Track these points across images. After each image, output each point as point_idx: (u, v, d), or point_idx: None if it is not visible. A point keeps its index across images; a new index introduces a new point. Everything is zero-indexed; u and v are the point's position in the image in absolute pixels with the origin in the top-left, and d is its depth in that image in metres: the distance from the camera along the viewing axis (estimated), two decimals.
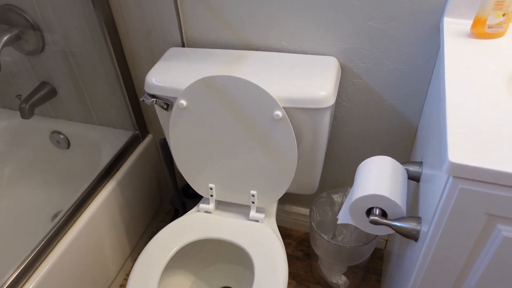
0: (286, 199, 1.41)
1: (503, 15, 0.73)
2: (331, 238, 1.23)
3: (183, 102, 0.94)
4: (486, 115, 0.59)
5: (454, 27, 0.81)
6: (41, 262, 1.01)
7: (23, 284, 0.96)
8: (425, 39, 0.90)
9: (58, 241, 1.06)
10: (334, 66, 0.96)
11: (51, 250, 1.03)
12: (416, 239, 0.72)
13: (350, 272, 1.28)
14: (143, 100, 0.99)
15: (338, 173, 1.24)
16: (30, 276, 0.98)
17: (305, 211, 1.41)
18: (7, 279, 0.93)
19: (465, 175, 0.53)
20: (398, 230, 0.74)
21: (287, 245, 1.41)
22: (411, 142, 1.09)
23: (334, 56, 0.99)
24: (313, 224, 1.16)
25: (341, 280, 1.27)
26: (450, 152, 0.54)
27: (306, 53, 1.02)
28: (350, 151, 1.17)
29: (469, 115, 0.59)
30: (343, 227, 1.23)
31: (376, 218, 0.75)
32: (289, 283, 1.30)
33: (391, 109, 1.04)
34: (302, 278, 1.31)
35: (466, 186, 0.55)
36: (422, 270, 0.69)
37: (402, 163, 0.84)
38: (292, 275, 1.32)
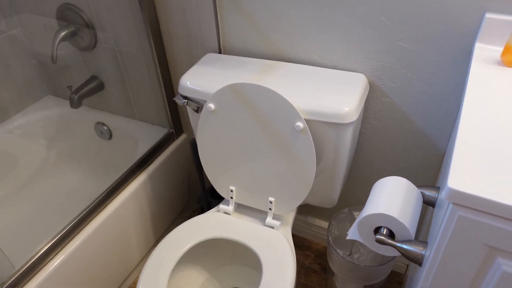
0: (309, 211, 1.41)
1: None
2: (348, 255, 1.22)
3: (211, 105, 0.98)
4: (498, 146, 0.58)
5: (484, 53, 0.79)
6: (69, 241, 1.09)
7: (52, 257, 1.05)
8: (456, 63, 0.89)
9: (88, 222, 1.14)
10: (362, 83, 0.96)
11: (80, 231, 1.11)
12: (420, 264, 0.71)
13: None
14: (175, 100, 1.05)
15: (361, 190, 1.24)
16: (58, 252, 1.06)
17: (327, 225, 1.41)
18: (39, 251, 1.02)
19: (464, 203, 0.53)
20: (403, 253, 0.73)
21: (305, 256, 1.42)
22: (438, 166, 1.07)
23: (363, 73, 1.00)
24: (330, 238, 1.16)
25: None
26: (451, 178, 0.54)
27: (336, 68, 1.03)
28: (375, 169, 1.16)
29: (479, 144, 0.59)
30: (361, 245, 1.22)
31: (382, 237, 0.75)
32: None
33: (419, 131, 1.03)
34: None
35: (465, 214, 0.54)
36: None
37: (419, 186, 0.83)
38: (306, 287, 1.33)
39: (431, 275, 0.64)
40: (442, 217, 0.59)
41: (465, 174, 0.54)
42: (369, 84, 1.01)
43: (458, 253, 0.58)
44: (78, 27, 1.30)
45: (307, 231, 1.46)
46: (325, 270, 1.37)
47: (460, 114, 0.66)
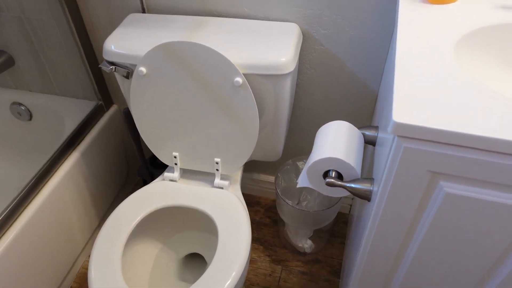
0: (254, 168, 1.43)
1: None
2: (296, 204, 1.26)
3: (143, 69, 0.92)
4: (432, 78, 0.61)
5: None
6: (2, 235, 1.00)
7: None
8: (385, 6, 0.91)
9: (21, 212, 1.04)
10: (295, 32, 0.96)
11: (12, 223, 1.02)
12: (369, 199, 0.75)
13: (315, 236, 1.32)
14: (101, 67, 0.96)
15: (303, 140, 1.27)
16: None
17: (272, 179, 1.43)
18: None
19: (408, 134, 0.55)
20: (353, 191, 0.77)
21: (255, 212, 1.44)
22: (373, 108, 1.12)
23: (296, 23, 0.99)
24: (278, 190, 1.18)
25: (307, 244, 1.31)
26: (395, 113, 0.56)
27: (268, 20, 1.01)
28: (314, 118, 1.19)
29: (415, 79, 0.61)
30: (308, 193, 1.26)
31: (332, 180, 0.77)
32: (256, 248, 1.34)
33: (353, 76, 1.06)
34: (269, 243, 1.35)
35: (410, 145, 0.57)
36: (373, 227, 0.72)
37: (359, 128, 0.86)
38: (259, 241, 1.36)
39: (381, 208, 0.68)
40: (388, 152, 0.62)
41: (405, 108, 0.56)
42: (302, 33, 1.01)
43: (405, 182, 0.62)
44: None
45: (254, 188, 1.48)
46: (276, 222, 1.42)
47: (394, 55, 0.68)
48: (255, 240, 1.36)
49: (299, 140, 1.27)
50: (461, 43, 0.70)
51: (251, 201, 1.48)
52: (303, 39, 1.02)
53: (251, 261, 1.30)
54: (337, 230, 1.39)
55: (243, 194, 1.49)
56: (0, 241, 0.98)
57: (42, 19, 1.15)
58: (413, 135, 0.55)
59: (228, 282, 0.86)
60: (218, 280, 0.86)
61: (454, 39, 0.70)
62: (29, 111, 1.39)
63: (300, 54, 1.05)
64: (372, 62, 1.01)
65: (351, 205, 1.41)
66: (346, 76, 1.06)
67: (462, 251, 0.69)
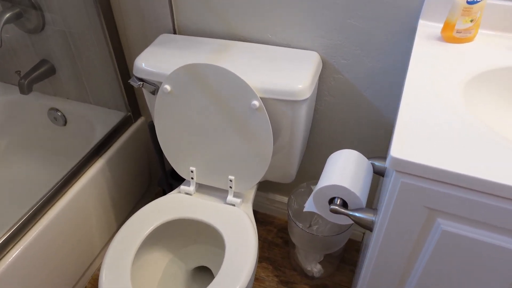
0: (270, 188, 1.45)
1: (471, 21, 0.76)
2: (307, 227, 1.27)
3: (167, 87, 0.98)
4: (436, 116, 0.63)
5: (427, 30, 0.84)
6: (27, 231, 1.06)
7: (10, 249, 1.02)
8: (402, 40, 0.93)
9: (45, 212, 1.11)
10: (315, 60, 0.99)
11: (38, 220, 1.09)
12: (371, 230, 0.76)
13: (325, 261, 1.32)
14: (130, 83, 1.03)
15: (319, 165, 1.28)
16: (16, 243, 1.04)
17: (287, 200, 1.45)
18: None
19: (406, 170, 0.57)
20: (355, 220, 0.78)
21: (268, 231, 1.46)
22: (389, 138, 1.13)
23: (316, 51, 1.03)
24: (290, 212, 1.20)
25: (316, 268, 1.32)
26: (393, 148, 0.58)
27: (290, 47, 1.05)
28: (331, 144, 1.21)
29: (419, 116, 0.63)
30: (320, 217, 1.27)
31: (336, 207, 0.79)
32: (265, 268, 1.35)
33: (370, 106, 1.07)
34: (279, 264, 1.36)
35: (407, 180, 0.59)
36: (373, 258, 0.73)
37: (369, 158, 0.87)
38: (270, 260, 1.37)
39: (380, 239, 0.69)
40: (388, 185, 0.63)
41: (406, 144, 0.58)
42: (322, 61, 1.04)
43: (402, 216, 0.63)
44: (24, 8, 1.24)
45: (269, 207, 1.50)
46: (287, 243, 1.43)
47: (403, 88, 0.70)
48: (265, 259, 1.38)
49: (315, 164, 1.29)
50: (471, 83, 0.71)
51: (265, 220, 1.50)
52: (323, 67, 1.05)
53: (259, 279, 1.32)
54: (348, 257, 1.38)
55: (258, 213, 1.52)
56: (24, 237, 1.05)
57: (82, 34, 1.24)
58: (410, 171, 0.57)
59: None
60: None
61: (464, 79, 0.71)
62: (64, 117, 1.48)
63: (319, 81, 1.08)
64: (389, 94, 1.03)
65: (364, 233, 1.40)
66: (364, 105, 1.08)
67: None
